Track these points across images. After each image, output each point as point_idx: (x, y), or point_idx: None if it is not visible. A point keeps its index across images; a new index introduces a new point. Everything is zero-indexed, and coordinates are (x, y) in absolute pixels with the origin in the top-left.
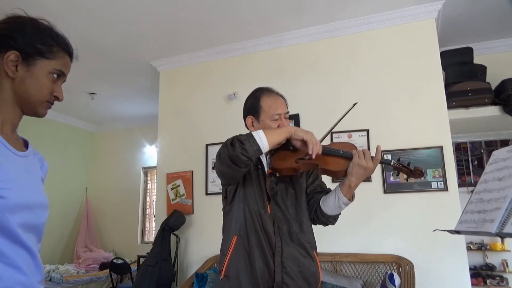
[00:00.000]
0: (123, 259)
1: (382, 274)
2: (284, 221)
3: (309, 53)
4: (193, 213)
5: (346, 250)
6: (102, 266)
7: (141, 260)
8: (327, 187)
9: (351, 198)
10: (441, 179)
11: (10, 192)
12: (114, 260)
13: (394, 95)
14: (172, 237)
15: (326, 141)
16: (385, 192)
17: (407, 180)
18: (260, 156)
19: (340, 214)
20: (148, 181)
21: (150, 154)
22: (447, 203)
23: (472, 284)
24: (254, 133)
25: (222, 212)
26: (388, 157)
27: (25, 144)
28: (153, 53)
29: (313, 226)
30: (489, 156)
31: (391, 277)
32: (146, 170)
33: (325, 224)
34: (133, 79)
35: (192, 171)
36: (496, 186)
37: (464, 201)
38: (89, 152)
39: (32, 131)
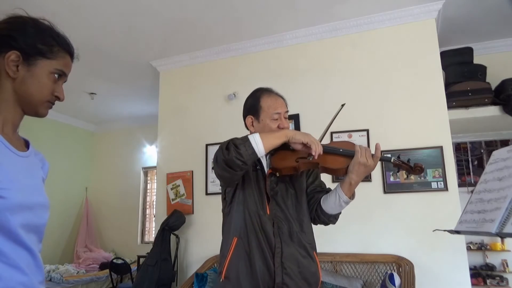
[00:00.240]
0: (123, 259)
1: (382, 274)
2: (284, 221)
3: (309, 53)
4: (193, 213)
5: (346, 250)
6: (102, 266)
7: (141, 260)
8: (327, 187)
9: (352, 196)
10: (441, 179)
11: (10, 192)
12: (114, 260)
13: (394, 95)
14: (172, 237)
15: (326, 141)
16: (385, 192)
17: (407, 177)
18: (260, 157)
19: (340, 213)
20: (148, 181)
21: (150, 154)
22: (447, 203)
23: (472, 284)
24: (250, 137)
25: (222, 212)
26: (388, 156)
27: (26, 144)
28: (153, 53)
29: (313, 226)
30: (489, 156)
31: (391, 277)
32: (146, 170)
33: (326, 224)
34: (133, 79)
35: (192, 171)
36: (496, 186)
37: (464, 201)
38: (89, 152)
39: (32, 131)
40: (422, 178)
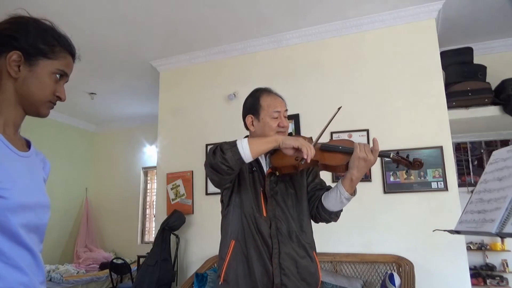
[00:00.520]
0: (123, 259)
1: (382, 274)
2: (284, 221)
3: (309, 53)
4: (193, 213)
5: (346, 250)
6: (102, 266)
7: (141, 260)
8: (327, 185)
9: (353, 193)
10: (441, 179)
11: (11, 192)
12: (114, 260)
13: (394, 95)
14: (172, 237)
15: (326, 140)
16: (385, 192)
17: (407, 172)
18: (259, 158)
19: (342, 210)
20: (148, 181)
21: (150, 154)
22: (447, 203)
23: (472, 284)
24: (238, 142)
25: (221, 214)
26: None
27: (28, 145)
28: (153, 53)
29: (313, 226)
30: (489, 156)
31: (391, 277)
32: (146, 170)
33: (328, 221)
34: (133, 79)
35: (192, 171)
36: (496, 186)
37: (464, 201)
38: (89, 152)
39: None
40: (422, 178)
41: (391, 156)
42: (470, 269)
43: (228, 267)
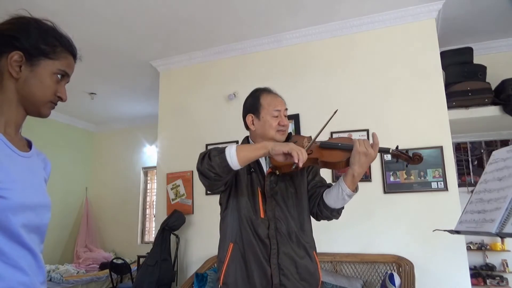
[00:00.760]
0: (123, 259)
1: (382, 274)
2: (283, 221)
3: (309, 53)
4: (193, 213)
5: (346, 250)
6: (102, 266)
7: (141, 260)
8: (328, 183)
9: (355, 189)
10: (441, 179)
11: (12, 193)
12: (114, 260)
13: (394, 95)
14: (172, 237)
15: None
16: (385, 192)
17: (407, 166)
18: (259, 158)
19: (343, 208)
20: (148, 181)
21: (150, 154)
22: (447, 203)
23: (472, 284)
24: (227, 149)
25: (221, 209)
26: (388, 156)
27: (29, 145)
28: (153, 53)
29: (313, 226)
30: (489, 156)
31: (391, 277)
32: (146, 170)
33: (329, 219)
34: (133, 79)
35: (192, 171)
36: (496, 186)
37: (464, 201)
38: (89, 152)
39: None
40: (422, 178)
41: (390, 151)
42: (470, 269)
43: (227, 270)
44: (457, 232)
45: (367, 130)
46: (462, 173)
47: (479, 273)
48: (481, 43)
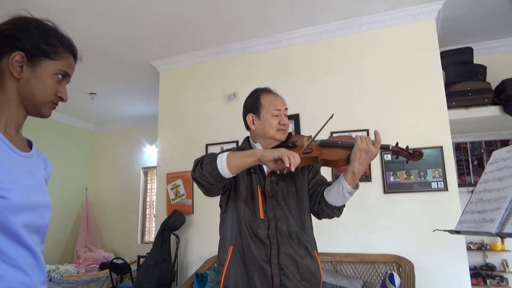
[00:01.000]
0: (123, 259)
1: (382, 274)
2: (284, 221)
3: (309, 53)
4: (193, 213)
5: (346, 250)
6: (102, 266)
7: (141, 260)
8: (328, 181)
9: (355, 186)
10: (441, 179)
11: (12, 193)
12: (114, 260)
13: (394, 95)
14: (172, 237)
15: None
16: (385, 192)
17: (407, 163)
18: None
19: (344, 206)
20: (148, 181)
21: (150, 154)
22: (447, 203)
23: (472, 284)
24: (218, 157)
25: (220, 211)
26: (388, 156)
27: (29, 145)
28: (153, 53)
29: (313, 226)
30: (489, 156)
31: (391, 277)
32: (146, 170)
33: (330, 217)
34: (133, 79)
35: None
36: (496, 186)
37: (464, 201)
38: (89, 152)
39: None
40: (422, 178)
41: (390, 148)
42: (470, 269)
43: (227, 273)
44: (457, 232)
45: (367, 130)
46: (462, 173)
47: (479, 273)
48: (481, 43)
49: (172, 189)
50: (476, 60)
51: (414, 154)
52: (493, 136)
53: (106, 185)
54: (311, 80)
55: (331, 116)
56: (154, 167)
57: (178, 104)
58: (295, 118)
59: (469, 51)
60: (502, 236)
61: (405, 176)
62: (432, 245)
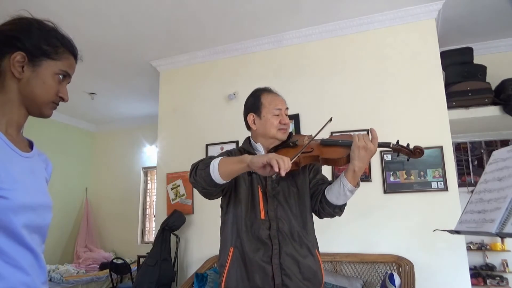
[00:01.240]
0: (123, 259)
1: (382, 274)
2: (286, 221)
3: (309, 53)
4: (193, 213)
5: (346, 250)
6: (102, 266)
7: (141, 260)
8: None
9: (356, 185)
10: (441, 179)
11: (13, 193)
12: (114, 260)
13: (394, 95)
14: (172, 237)
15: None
16: (385, 192)
17: (408, 160)
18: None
19: (345, 205)
20: (148, 181)
21: (150, 154)
22: (447, 203)
23: (472, 284)
24: (211, 164)
25: (221, 213)
26: (388, 156)
27: (30, 145)
28: (153, 53)
29: (315, 225)
30: (489, 156)
31: (391, 277)
32: (146, 170)
33: (332, 216)
34: (133, 79)
35: None
36: (496, 186)
37: (464, 201)
38: (89, 152)
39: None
40: (422, 178)
41: (391, 145)
42: (470, 269)
43: (228, 274)
44: (457, 232)
45: (367, 130)
46: (462, 173)
47: (479, 273)
48: (481, 43)
49: (172, 189)
50: (476, 60)
51: (415, 151)
52: (493, 136)
53: (106, 185)
54: (311, 80)
55: (330, 119)
56: (154, 167)
57: (178, 104)
58: (295, 118)
59: (469, 51)
60: (502, 236)
61: (405, 176)
62: (432, 245)
